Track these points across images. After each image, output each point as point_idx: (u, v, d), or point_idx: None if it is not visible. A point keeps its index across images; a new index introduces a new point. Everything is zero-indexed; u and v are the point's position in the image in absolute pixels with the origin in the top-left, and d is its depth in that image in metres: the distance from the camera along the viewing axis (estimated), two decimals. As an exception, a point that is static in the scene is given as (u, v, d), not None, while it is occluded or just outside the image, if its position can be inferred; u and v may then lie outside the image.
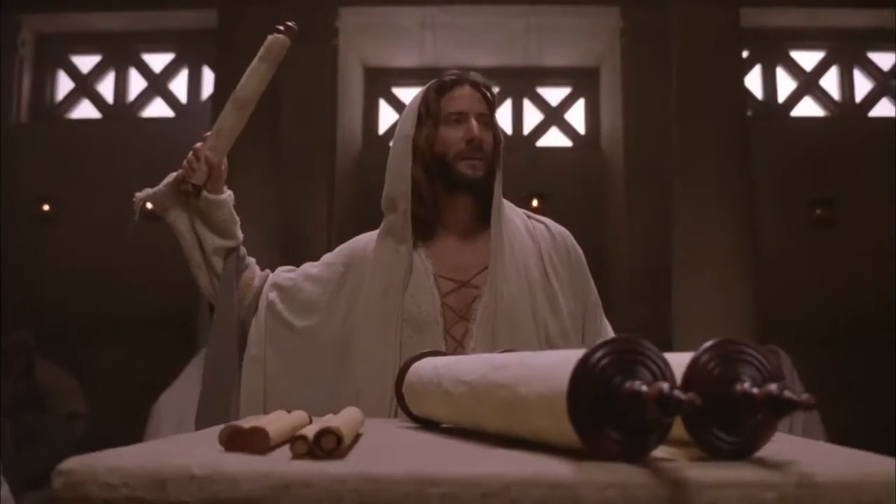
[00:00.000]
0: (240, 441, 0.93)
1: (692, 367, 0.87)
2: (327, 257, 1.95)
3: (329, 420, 0.97)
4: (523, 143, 8.30)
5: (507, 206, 1.85)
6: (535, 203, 6.73)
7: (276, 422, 1.00)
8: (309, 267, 1.94)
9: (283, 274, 1.95)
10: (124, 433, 5.61)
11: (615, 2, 7.43)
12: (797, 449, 1.01)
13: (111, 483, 0.83)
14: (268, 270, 1.98)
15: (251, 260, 1.98)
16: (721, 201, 5.67)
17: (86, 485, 0.84)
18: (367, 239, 1.90)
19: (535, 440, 0.96)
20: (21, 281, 7.12)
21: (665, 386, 0.79)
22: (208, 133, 1.96)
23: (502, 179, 1.83)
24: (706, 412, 0.86)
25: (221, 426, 0.96)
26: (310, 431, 0.88)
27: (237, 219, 1.96)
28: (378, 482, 0.81)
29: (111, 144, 7.63)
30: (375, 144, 8.23)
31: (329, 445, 0.87)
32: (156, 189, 1.99)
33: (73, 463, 0.85)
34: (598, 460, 0.84)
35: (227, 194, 1.95)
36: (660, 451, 0.90)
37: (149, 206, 6.53)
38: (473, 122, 1.78)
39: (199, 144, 1.92)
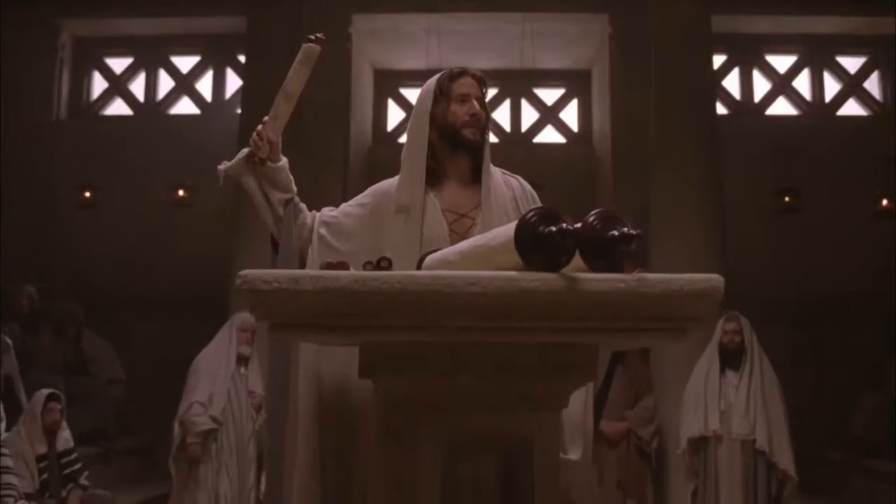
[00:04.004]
0: (332, 269, 1.63)
1: (583, 223, 1.59)
2: (358, 198, 2.57)
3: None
4: (521, 139, 9.00)
5: (490, 165, 2.55)
6: (529, 191, 7.40)
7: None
8: (345, 206, 2.58)
9: (328, 213, 2.56)
10: (156, 398, 6.32)
11: (604, 9, 8.12)
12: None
13: (267, 280, 1.55)
14: (314, 211, 2.56)
15: (303, 205, 2.56)
16: (693, 189, 6.39)
17: (254, 282, 1.55)
18: (389, 182, 2.55)
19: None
20: (66, 260, 7.85)
21: (563, 225, 1.51)
22: (266, 118, 2.47)
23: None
24: (592, 248, 1.58)
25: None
26: (374, 259, 1.60)
27: (292, 177, 2.54)
28: (412, 276, 1.53)
29: (142, 139, 8.33)
30: (384, 140, 8.94)
31: (384, 265, 1.58)
32: (232, 161, 2.49)
33: (247, 272, 1.56)
34: (531, 271, 1.55)
35: (284, 161, 2.51)
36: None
37: (180, 193, 7.17)
38: (474, 102, 2.48)
39: (260, 128, 2.46)
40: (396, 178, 2.53)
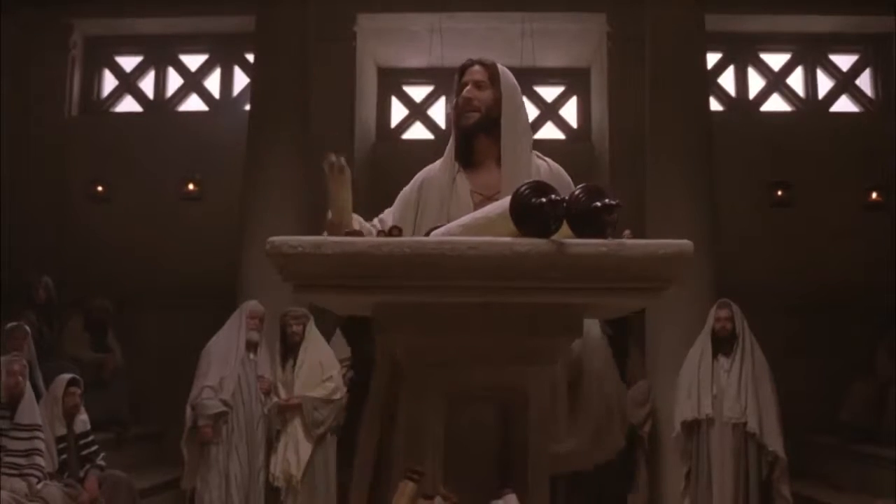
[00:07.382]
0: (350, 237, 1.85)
1: (571, 196, 1.80)
2: (406, 191, 2.64)
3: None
4: (521, 135, 9.18)
5: (522, 146, 2.59)
6: (529, 186, 7.63)
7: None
8: (396, 204, 2.63)
9: (385, 217, 2.58)
10: (166, 386, 6.52)
11: (601, 8, 8.32)
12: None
13: (292, 245, 1.76)
14: (374, 220, 2.54)
15: (366, 224, 2.45)
16: (688, 183, 6.60)
17: (281, 247, 1.77)
18: (431, 167, 2.66)
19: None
20: (79, 252, 8.06)
21: (552, 196, 1.72)
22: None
23: None
24: (578, 217, 1.79)
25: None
26: (385, 228, 1.81)
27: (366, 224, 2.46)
28: (420, 241, 1.75)
29: (152, 135, 8.53)
30: (387, 136, 9.13)
31: (395, 233, 1.80)
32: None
33: (274, 238, 1.78)
34: (525, 237, 1.76)
35: (357, 222, 2.40)
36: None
37: (190, 187, 7.37)
38: (467, 88, 2.59)
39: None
40: (439, 162, 2.66)
